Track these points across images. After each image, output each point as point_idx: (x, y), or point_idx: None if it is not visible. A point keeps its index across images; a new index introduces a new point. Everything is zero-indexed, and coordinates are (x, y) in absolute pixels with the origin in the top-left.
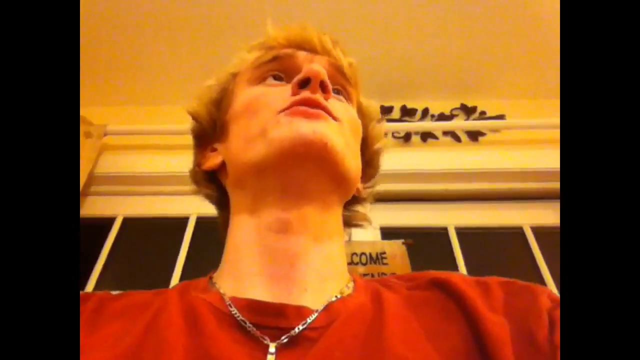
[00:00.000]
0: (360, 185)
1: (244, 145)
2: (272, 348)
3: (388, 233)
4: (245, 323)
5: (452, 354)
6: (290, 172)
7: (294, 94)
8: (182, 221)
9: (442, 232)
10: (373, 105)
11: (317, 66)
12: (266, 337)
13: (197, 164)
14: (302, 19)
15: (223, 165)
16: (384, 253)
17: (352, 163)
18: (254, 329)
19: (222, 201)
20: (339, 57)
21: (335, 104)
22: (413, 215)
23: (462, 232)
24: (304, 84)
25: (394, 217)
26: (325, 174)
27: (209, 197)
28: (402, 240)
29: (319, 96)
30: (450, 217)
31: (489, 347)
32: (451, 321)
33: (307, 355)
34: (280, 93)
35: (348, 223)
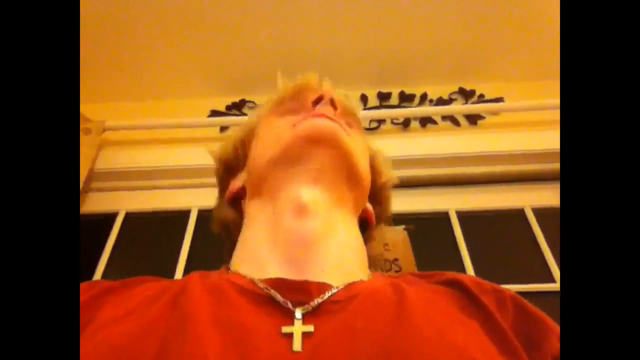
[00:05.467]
0: (371, 211)
1: (262, 152)
2: (298, 314)
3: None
4: (270, 290)
5: (474, 336)
6: (306, 155)
7: (308, 110)
8: (184, 214)
9: (444, 217)
10: (376, 149)
11: (327, 87)
12: (288, 302)
13: (221, 196)
14: (300, 9)
15: (243, 190)
16: (386, 245)
17: (361, 161)
18: (278, 295)
19: (236, 223)
20: (343, 99)
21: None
22: (414, 201)
23: (463, 216)
24: (317, 103)
25: (395, 203)
26: (336, 160)
27: (225, 222)
28: (404, 226)
29: (329, 110)
30: (451, 201)
31: (509, 346)
32: (470, 314)
33: (330, 323)
34: (296, 116)
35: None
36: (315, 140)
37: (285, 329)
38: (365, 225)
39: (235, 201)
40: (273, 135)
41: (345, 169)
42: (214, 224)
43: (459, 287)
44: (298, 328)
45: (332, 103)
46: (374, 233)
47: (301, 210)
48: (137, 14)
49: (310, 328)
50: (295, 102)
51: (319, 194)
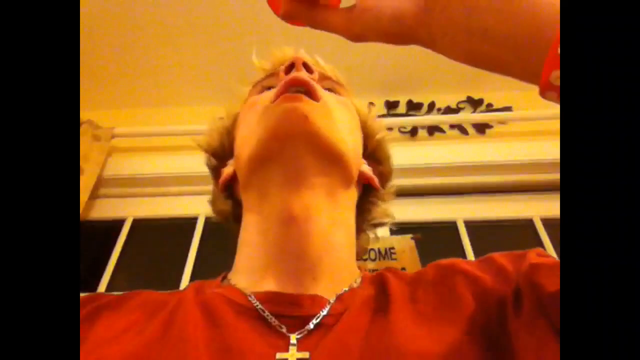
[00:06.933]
0: (370, 174)
1: (244, 142)
2: (293, 340)
3: (396, 228)
4: (264, 312)
5: (462, 326)
6: (283, 151)
7: (281, 81)
8: (191, 221)
9: (451, 226)
10: (368, 106)
11: (300, 53)
12: (282, 326)
13: (215, 184)
14: None
15: (236, 176)
16: (393, 248)
17: (342, 137)
18: (273, 318)
19: (236, 214)
20: (321, 63)
21: (322, 90)
22: (421, 210)
23: (471, 226)
24: (290, 69)
25: (402, 212)
26: (314, 147)
27: (224, 215)
28: (411, 235)
29: (303, 73)
30: (459, 211)
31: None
32: (458, 297)
33: (324, 340)
34: (272, 92)
35: (371, 222)
36: (284, 136)
37: (280, 355)
38: (368, 191)
39: (230, 188)
40: (251, 119)
41: (324, 155)
42: (213, 214)
43: (447, 269)
44: (293, 354)
45: (307, 67)
46: (380, 194)
47: (290, 220)
48: (146, 21)
49: (305, 355)
50: (271, 78)
51: (307, 197)
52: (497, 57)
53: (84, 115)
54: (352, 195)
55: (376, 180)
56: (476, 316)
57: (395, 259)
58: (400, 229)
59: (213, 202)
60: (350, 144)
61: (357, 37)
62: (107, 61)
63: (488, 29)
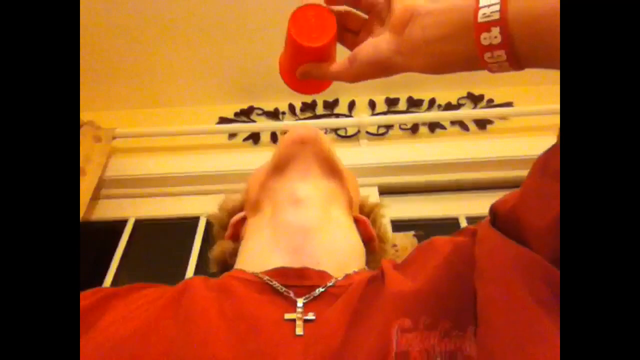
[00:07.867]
0: (364, 219)
1: (260, 171)
2: (299, 303)
3: (398, 225)
4: (272, 282)
5: (438, 263)
6: (295, 154)
7: None
8: (193, 221)
9: (453, 223)
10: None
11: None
12: (290, 291)
13: (220, 239)
14: None
15: (243, 220)
16: (395, 246)
17: (338, 159)
18: (280, 286)
19: (234, 250)
20: None
21: None
22: (423, 207)
23: (473, 222)
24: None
25: (404, 210)
26: (319, 154)
27: (223, 253)
28: (413, 232)
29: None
30: (461, 207)
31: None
32: (435, 250)
33: (331, 305)
34: None
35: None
36: (301, 141)
37: (288, 316)
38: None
39: (234, 237)
40: (266, 163)
41: (327, 163)
42: (212, 264)
43: (427, 245)
44: (300, 315)
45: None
46: (377, 248)
47: (297, 202)
48: (146, 22)
49: (311, 316)
50: None
51: (312, 188)
52: (451, 51)
53: (85, 116)
54: (352, 222)
55: (370, 225)
56: (451, 258)
57: (397, 256)
58: (403, 226)
59: (217, 247)
60: (344, 169)
61: (354, 78)
62: (108, 62)
63: (431, 29)
